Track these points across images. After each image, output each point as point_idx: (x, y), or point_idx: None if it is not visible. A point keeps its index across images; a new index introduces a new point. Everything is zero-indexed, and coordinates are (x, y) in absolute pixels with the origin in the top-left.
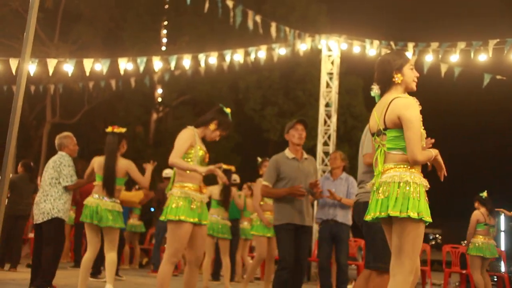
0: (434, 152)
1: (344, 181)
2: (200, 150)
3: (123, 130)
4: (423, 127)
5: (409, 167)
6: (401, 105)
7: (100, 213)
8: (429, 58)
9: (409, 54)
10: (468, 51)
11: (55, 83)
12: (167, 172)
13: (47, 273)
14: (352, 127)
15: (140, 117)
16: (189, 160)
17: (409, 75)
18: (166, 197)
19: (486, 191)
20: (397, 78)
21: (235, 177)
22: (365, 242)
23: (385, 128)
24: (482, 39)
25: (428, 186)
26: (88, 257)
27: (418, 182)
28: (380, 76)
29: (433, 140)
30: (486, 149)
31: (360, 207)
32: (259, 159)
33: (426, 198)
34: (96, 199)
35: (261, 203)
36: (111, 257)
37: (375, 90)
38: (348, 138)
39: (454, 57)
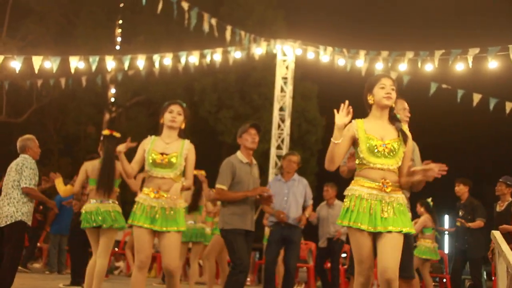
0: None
1: (297, 182)
2: (151, 154)
3: (118, 134)
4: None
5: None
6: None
7: (102, 214)
8: (379, 66)
9: (360, 61)
10: (416, 60)
11: (1, 80)
12: None
13: (4, 278)
14: (306, 131)
15: (92, 117)
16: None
17: (378, 93)
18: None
19: (431, 198)
20: (370, 99)
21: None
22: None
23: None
24: (429, 49)
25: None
26: (93, 264)
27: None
28: (364, 101)
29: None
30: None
31: None
32: None
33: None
34: (94, 204)
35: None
36: (101, 264)
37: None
38: (302, 143)
39: (403, 66)
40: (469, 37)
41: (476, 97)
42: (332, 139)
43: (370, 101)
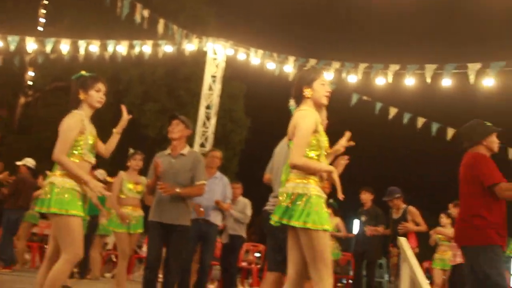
0: (329, 168)
1: (219, 180)
2: (90, 137)
3: None
4: (327, 138)
5: (307, 178)
6: (297, 116)
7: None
8: None
9: (289, 67)
10: (341, 70)
11: None
12: (28, 160)
13: None
14: (231, 131)
15: (6, 99)
16: (79, 149)
17: (320, 90)
18: (22, 187)
19: (332, 199)
20: (307, 92)
21: (101, 172)
22: (269, 247)
23: (290, 139)
24: (354, 61)
25: (325, 196)
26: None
27: (313, 194)
28: (294, 91)
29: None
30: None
31: (266, 215)
32: (131, 150)
33: (325, 208)
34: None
35: (122, 196)
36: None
37: (291, 104)
38: (226, 142)
39: (329, 75)
40: (392, 54)
41: (393, 111)
42: (318, 168)
43: (307, 95)
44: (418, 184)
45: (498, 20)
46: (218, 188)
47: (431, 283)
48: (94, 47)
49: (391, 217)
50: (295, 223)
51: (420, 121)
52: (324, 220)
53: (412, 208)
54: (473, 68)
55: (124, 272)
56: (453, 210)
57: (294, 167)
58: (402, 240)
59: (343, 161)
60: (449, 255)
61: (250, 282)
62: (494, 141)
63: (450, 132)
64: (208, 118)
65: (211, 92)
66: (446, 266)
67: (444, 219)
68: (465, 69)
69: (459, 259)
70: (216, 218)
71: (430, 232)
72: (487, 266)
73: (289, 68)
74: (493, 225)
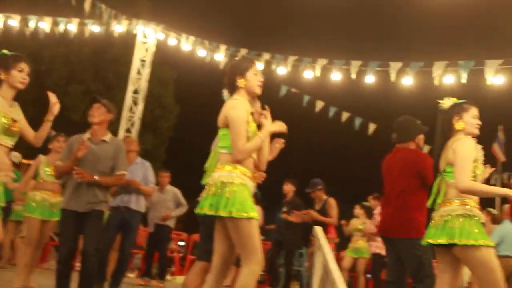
0: (263, 133)
1: (140, 165)
2: (4, 118)
3: None
4: (255, 127)
5: (235, 167)
6: (228, 105)
7: None
8: None
9: (220, 55)
10: (271, 62)
11: None
12: None
13: None
14: (159, 117)
15: None
16: None
17: (252, 79)
18: None
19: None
20: (240, 82)
21: (16, 155)
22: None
23: (220, 127)
24: (284, 54)
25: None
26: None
27: (237, 182)
28: (227, 80)
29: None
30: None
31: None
32: (53, 132)
33: (249, 196)
34: None
35: (40, 180)
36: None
37: (225, 94)
38: (154, 128)
39: (259, 66)
40: (320, 48)
41: (320, 104)
42: (261, 135)
43: (240, 84)
44: (342, 177)
45: (421, 21)
46: (139, 173)
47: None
48: (14, 22)
49: (314, 208)
50: (220, 212)
51: (345, 116)
52: (248, 208)
53: (331, 200)
54: (394, 66)
55: (27, 260)
56: (373, 203)
57: (238, 162)
58: (317, 229)
59: (278, 144)
60: (361, 244)
61: (172, 271)
62: (422, 138)
63: (372, 127)
64: (135, 103)
65: (139, 76)
66: (357, 254)
67: (357, 210)
68: (387, 67)
69: (375, 249)
70: (138, 205)
71: (341, 223)
72: (424, 257)
73: (220, 56)
74: (424, 219)
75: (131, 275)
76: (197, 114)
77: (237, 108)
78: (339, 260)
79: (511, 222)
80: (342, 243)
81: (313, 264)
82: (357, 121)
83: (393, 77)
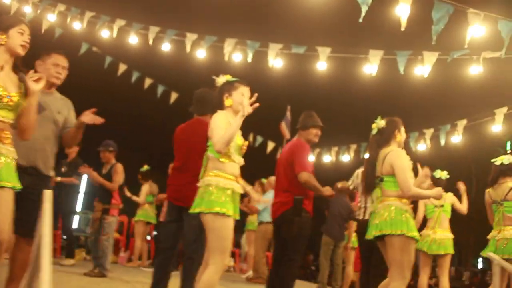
0: None
1: None
2: None
3: None
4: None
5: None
6: None
7: None
8: (27, 9)
9: None
10: (66, 14)
11: None
12: None
13: None
14: None
15: None
16: None
17: (15, 37)
18: None
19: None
20: (1, 39)
21: None
22: None
23: None
24: (81, 7)
25: None
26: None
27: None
28: None
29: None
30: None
31: None
32: None
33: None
34: None
35: None
36: None
37: None
38: None
39: (52, 17)
40: (118, 7)
41: (122, 67)
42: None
43: (1, 41)
44: (137, 144)
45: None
46: None
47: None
48: None
49: (101, 172)
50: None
51: (147, 82)
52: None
53: (118, 165)
54: (190, 37)
55: None
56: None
57: None
58: (46, 193)
59: (90, 113)
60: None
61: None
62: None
63: (174, 96)
64: None
65: None
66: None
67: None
68: (183, 37)
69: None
70: None
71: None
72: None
73: None
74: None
75: None
76: None
77: None
78: (131, 226)
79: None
80: (132, 210)
81: (95, 229)
82: (160, 89)
83: (188, 48)
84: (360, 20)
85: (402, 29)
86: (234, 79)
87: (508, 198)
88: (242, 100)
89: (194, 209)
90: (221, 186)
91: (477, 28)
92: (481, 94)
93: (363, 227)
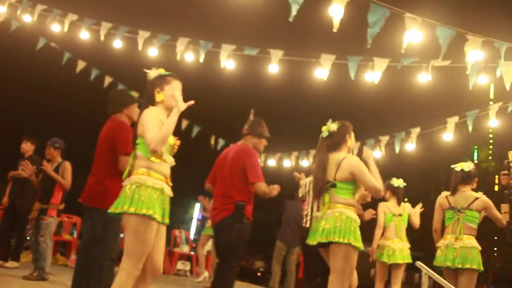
0: None
1: None
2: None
3: None
4: None
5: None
6: None
7: None
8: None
9: None
10: (17, 6)
11: None
12: None
13: None
14: None
15: None
16: None
17: None
18: None
19: None
20: None
21: None
22: None
23: None
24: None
25: None
26: None
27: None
28: None
29: None
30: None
31: None
32: None
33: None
34: None
35: None
36: None
37: None
38: None
39: (2, 9)
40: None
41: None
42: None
43: None
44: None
45: None
46: None
47: None
48: None
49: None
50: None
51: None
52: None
53: (66, 163)
54: (142, 35)
55: None
56: None
57: None
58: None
59: None
60: None
61: None
62: (135, 111)
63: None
64: None
65: None
66: None
67: None
68: (136, 34)
69: None
70: None
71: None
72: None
73: None
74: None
75: None
76: None
77: None
78: (68, 225)
79: None
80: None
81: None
82: (93, 73)
83: (140, 45)
84: (291, 19)
85: (335, 30)
86: (166, 73)
87: (471, 207)
88: (173, 94)
89: (115, 209)
90: (149, 185)
91: (414, 33)
92: (431, 102)
93: (307, 234)
